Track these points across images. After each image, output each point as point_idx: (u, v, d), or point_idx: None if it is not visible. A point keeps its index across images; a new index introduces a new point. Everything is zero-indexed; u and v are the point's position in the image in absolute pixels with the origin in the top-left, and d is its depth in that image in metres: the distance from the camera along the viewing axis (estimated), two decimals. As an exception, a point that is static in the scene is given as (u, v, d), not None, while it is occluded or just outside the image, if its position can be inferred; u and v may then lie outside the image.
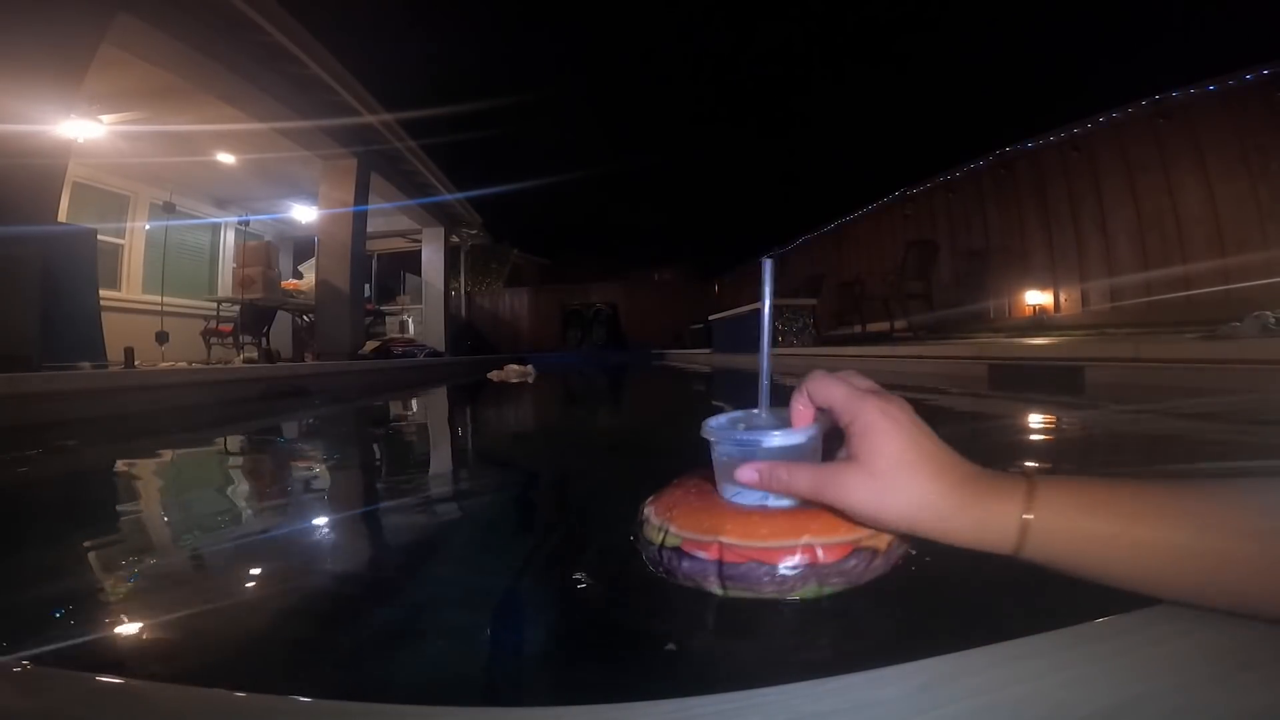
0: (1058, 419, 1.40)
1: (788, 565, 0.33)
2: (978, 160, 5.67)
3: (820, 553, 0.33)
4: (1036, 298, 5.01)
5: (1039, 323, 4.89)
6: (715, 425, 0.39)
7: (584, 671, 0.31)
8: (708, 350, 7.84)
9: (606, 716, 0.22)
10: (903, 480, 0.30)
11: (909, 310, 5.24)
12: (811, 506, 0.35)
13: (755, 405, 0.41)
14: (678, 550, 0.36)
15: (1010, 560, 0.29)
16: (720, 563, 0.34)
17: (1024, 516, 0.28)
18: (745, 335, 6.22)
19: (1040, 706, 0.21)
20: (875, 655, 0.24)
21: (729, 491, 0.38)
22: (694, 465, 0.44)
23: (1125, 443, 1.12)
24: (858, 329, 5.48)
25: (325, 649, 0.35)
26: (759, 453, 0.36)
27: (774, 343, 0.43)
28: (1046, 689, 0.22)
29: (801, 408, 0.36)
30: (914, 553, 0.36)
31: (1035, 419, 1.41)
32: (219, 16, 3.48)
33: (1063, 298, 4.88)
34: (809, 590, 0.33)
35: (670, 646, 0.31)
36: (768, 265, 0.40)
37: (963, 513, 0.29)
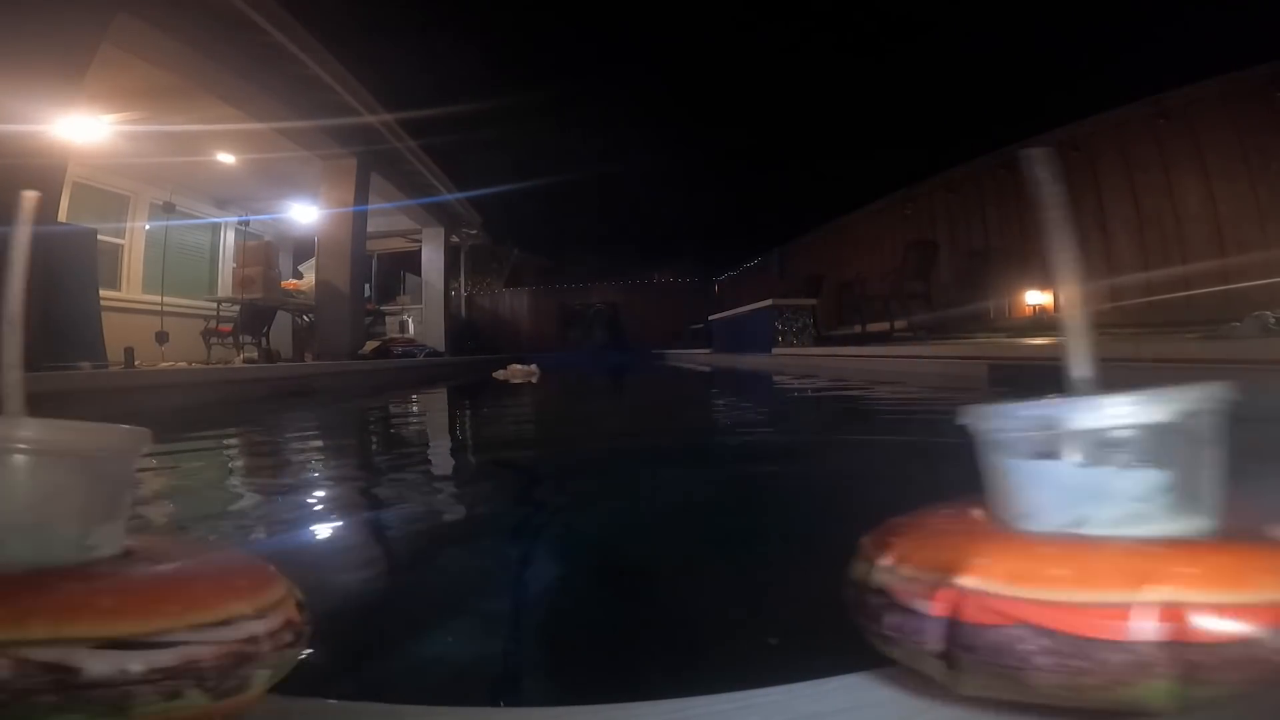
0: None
1: (1113, 639, 0.18)
2: (978, 160, 5.68)
3: (1192, 620, 0.18)
4: (1036, 298, 5.01)
5: (1039, 323, 4.89)
6: (1003, 410, 0.26)
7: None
8: (707, 350, 7.85)
9: (606, 716, 0.22)
10: None
11: (909, 310, 5.23)
12: (1181, 540, 0.21)
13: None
14: (883, 594, 0.23)
15: None
16: (952, 622, 0.20)
17: None
18: (745, 335, 6.22)
19: (1041, 706, 0.21)
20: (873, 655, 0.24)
21: (1018, 513, 0.25)
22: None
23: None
24: (858, 329, 5.47)
25: (339, 647, 0.35)
26: (1085, 437, 0.22)
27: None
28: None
29: None
30: None
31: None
32: (219, 17, 3.48)
33: (1063, 298, 4.88)
34: (1152, 691, 0.18)
35: None
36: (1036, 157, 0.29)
37: None
